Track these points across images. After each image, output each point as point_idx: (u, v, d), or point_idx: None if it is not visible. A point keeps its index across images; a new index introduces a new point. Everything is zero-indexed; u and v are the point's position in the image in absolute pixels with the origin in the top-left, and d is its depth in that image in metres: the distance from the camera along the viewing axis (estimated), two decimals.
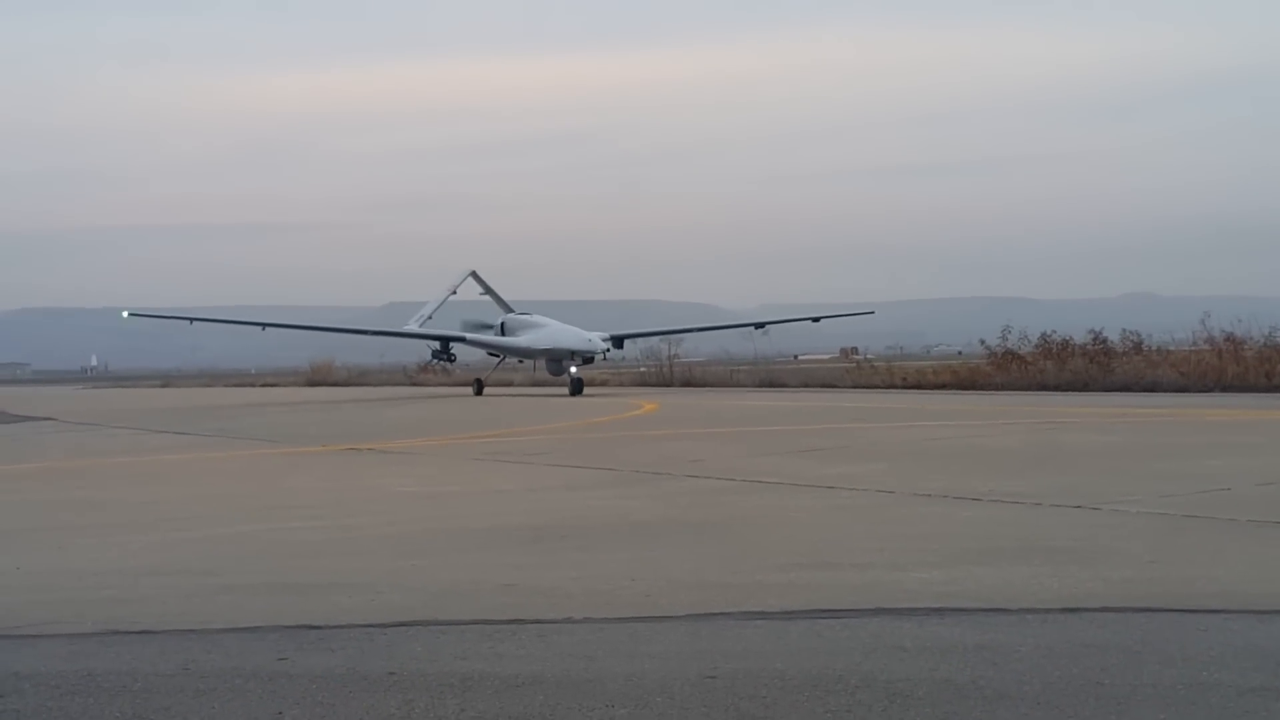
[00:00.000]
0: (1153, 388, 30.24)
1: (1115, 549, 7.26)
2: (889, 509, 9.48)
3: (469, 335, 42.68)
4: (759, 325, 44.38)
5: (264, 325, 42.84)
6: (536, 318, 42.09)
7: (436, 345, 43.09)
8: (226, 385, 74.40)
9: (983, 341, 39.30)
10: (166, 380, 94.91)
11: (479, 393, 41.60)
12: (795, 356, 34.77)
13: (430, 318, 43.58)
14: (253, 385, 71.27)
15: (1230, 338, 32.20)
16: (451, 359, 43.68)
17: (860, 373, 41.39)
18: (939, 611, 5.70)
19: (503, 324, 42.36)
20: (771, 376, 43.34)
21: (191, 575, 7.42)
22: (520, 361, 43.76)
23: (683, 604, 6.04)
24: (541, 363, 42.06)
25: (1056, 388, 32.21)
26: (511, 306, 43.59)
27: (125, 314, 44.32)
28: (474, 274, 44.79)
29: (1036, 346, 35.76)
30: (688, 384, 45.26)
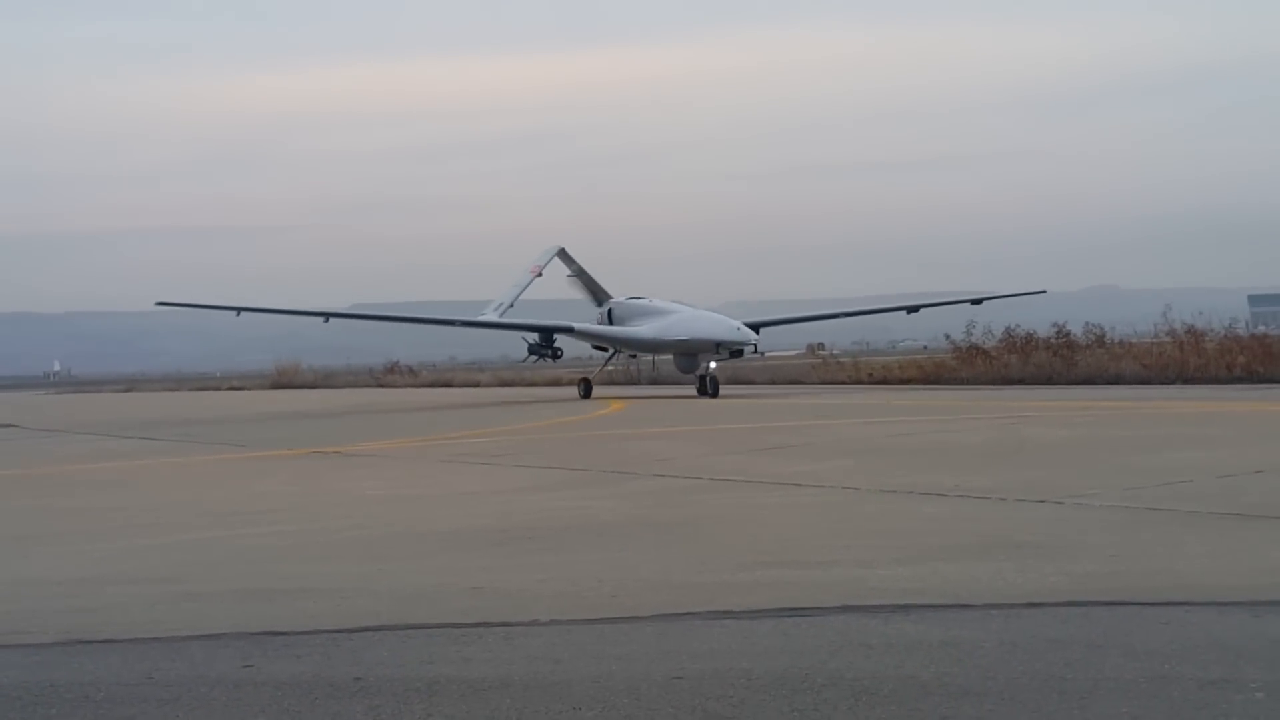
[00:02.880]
0: (1116, 380, 30.46)
1: (1078, 543, 7.31)
2: (854, 506, 9.52)
3: (578, 325, 35.61)
4: (911, 309, 37.50)
5: (326, 316, 36.49)
6: (657, 302, 35.24)
7: (535, 337, 35.35)
8: (192, 389, 73.99)
9: (948, 336, 39.51)
10: (130, 385, 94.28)
11: (588, 394, 34.83)
12: (762, 354, 34.22)
13: (512, 305, 36.70)
14: (218, 389, 70.87)
15: (1191, 330, 32.47)
16: (557, 354, 35.61)
17: (827, 369, 41.52)
18: (904, 608, 5.73)
19: (610, 311, 35.58)
20: (738, 373, 43.39)
21: (156, 583, 7.38)
22: (633, 357, 38.79)
23: (650, 605, 6.04)
24: (658, 358, 37.07)
25: (1021, 381, 32.42)
26: (607, 291, 36.89)
27: (155, 303, 35.72)
28: (562, 251, 37.56)
29: (1000, 341, 35.95)
30: (654, 382, 45.25)
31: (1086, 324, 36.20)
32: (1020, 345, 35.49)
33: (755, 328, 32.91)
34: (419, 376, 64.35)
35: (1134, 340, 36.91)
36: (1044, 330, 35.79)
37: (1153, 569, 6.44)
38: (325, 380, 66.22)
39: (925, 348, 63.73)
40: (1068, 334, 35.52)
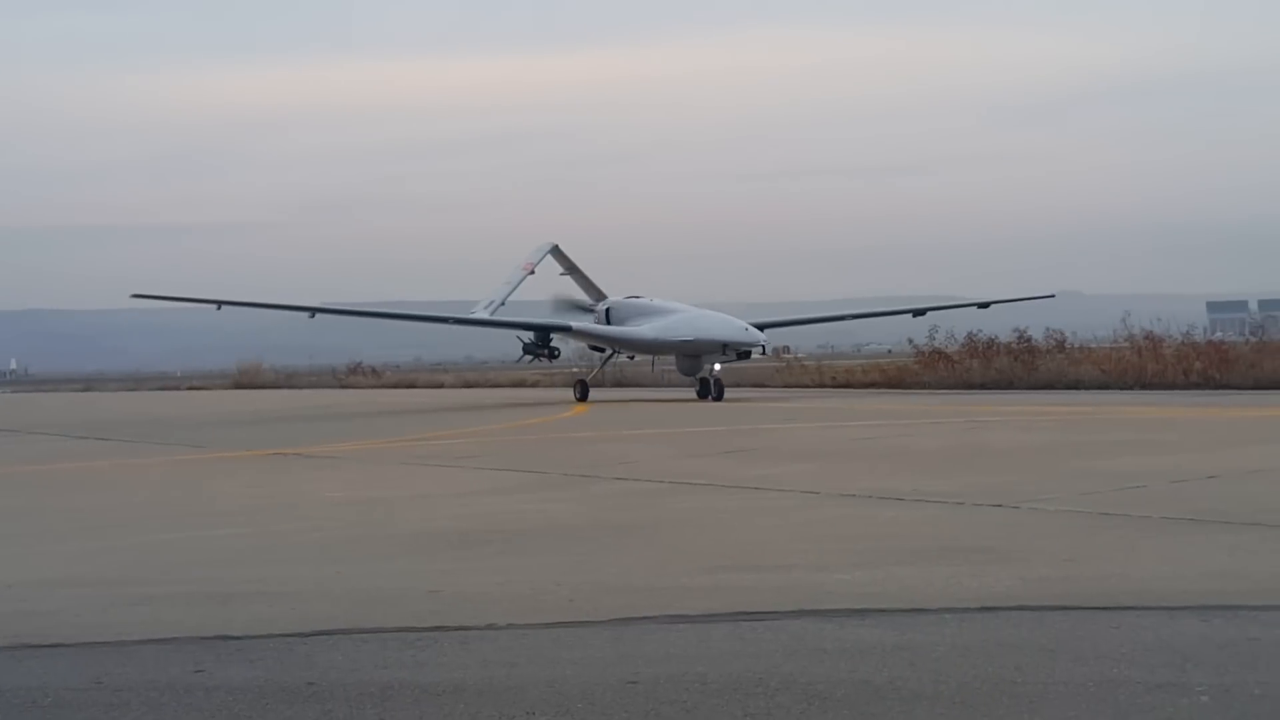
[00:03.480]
0: (1075, 385, 30.65)
1: (1033, 548, 7.36)
2: (814, 510, 9.55)
3: (576, 324, 33.61)
4: (917, 313, 36.44)
5: (312, 311, 34.01)
6: (658, 301, 33.46)
7: (530, 337, 33.01)
8: (152, 389, 73.52)
9: (910, 340, 39.64)
10: (88, 384, 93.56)
11: (584, 397, 33.06)
12: (741, 356, 34.05)
13: (503, 304, 34.86)
14: (178, 388, 70.44)
15: (1150, 336, 32.72)
16: (554, 354, 33.67)
17: (791, 372, 41.59)
18: (860, 612, 5.76)
19: (608, 311, 33.60)
20: (624, 377, 43.37)
21: (109, 585, 7.34)
22: (631, 358, 36.64)
23: (607, 608, 6.05)
24: (658, 359, 35.41)
25: (982, 386, 32.57)
26: (602, 290, 35.24)
27: (130, 295, 33.59)
28: (556, 248, 35.86)
29: (962, 345, 36.11)
30: (618, 384, 45.23)
31: (1047, 329, 36.41)
32: (982, 350, 35.66)
33: (761, 329, 31.67)
34: (383, 377, 64.12)
35: (1094, 346, 37.15)
36: (1005, 335, 35.99)
37: (1105, 573, 6.49)
38: (287, 380, 65.99)
39: (889, 351, 63.97)
40: (1029, 339, 35.72)
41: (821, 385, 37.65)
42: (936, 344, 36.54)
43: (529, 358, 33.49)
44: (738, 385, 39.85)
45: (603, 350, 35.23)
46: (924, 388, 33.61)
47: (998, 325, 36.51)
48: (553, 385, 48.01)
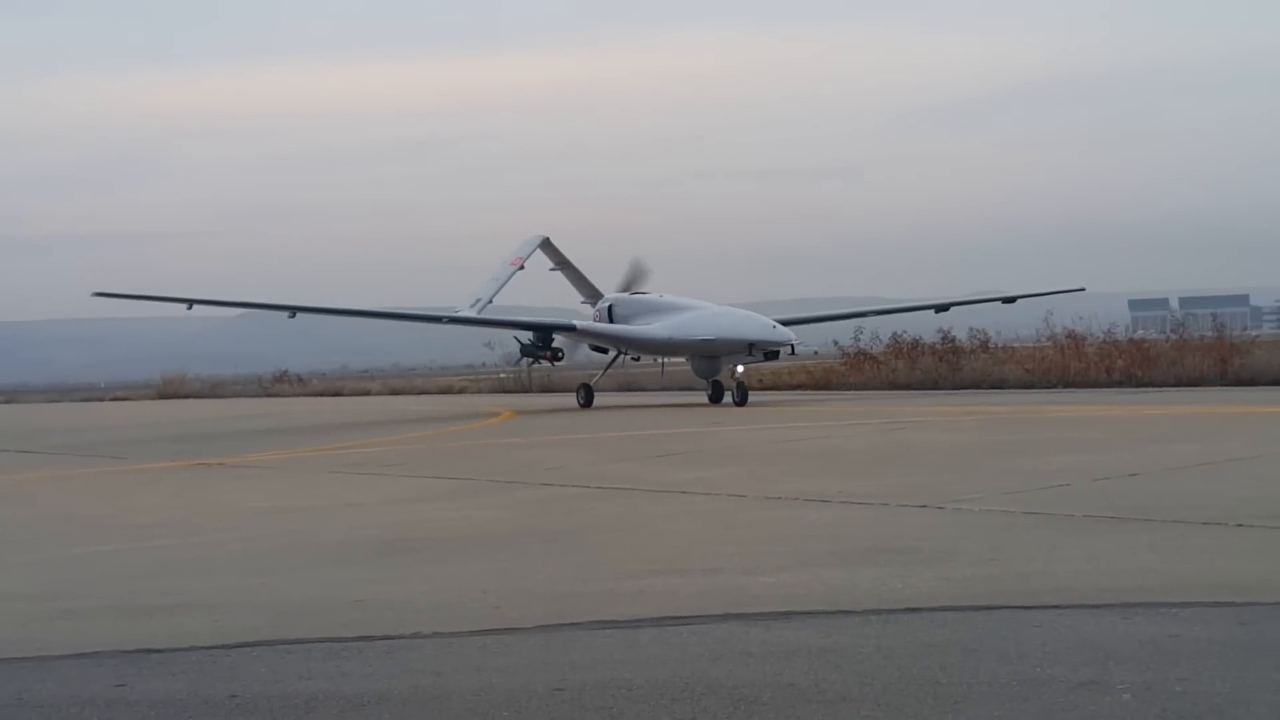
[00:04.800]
0: (1000, 385, 31.00)
1: (958, 548, 7.42)
2: (741, 513, 9.57)
3: (580, 324, 30.91)
4: (940, 308, 34.11)
5: (292, 310, 30.13)
6: (668, 297, 30.59)
7: (529, 338, 30.50)
8: (75, 400, 72.43)
9: (836, 342, 39.85)
10: (9, 396, 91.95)
11: (588, 403, 30.34)
12: (656, 363, 33.69)
13: (490, 301, 31.97)
14: (102, 399, 69.43)
15: (1072, 335, 33.12)
16: (557, 356, 30.69)
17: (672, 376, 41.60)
18: (786, 615, 5.78)
19: (610, 308, 30.82)
20: (630, 380, 43.45)
21: (29, 600, 7.21)
22: (636, 359, 33.41)
23: (534, 615, 6.03)
24: (668, 361, 33.13)
25: (908, 386, 32.82)
26: (597, 286, 32.56)
27: (91, 294, 29.73)
28: (546, 241, 32.96)
29: (888, 346, 36.37)
30: (546, 389, 45.15)
31: (971, 329, 36.77)
32: (907, 351, 35.94)
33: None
34: (309, 385, 63.62)
35: (1017, 345, 37.57)
36: (930, 336, 36.29)
37: (1028, 572, 6.55)
38: (213, 390, 65.16)
39: (815, 353, 64.30)
40: (953, 340, 36.06)
41: (749, 387, 37.74)
42: (862, 345, 36.78)
43: (528, 360, 31.25)
44: (664, 389, 39.89)
45: (606, 351, 32.19)
46: (850, 389, 33.82)
47: (924, 326, 36.71)
48: (480, 392, 47.89)
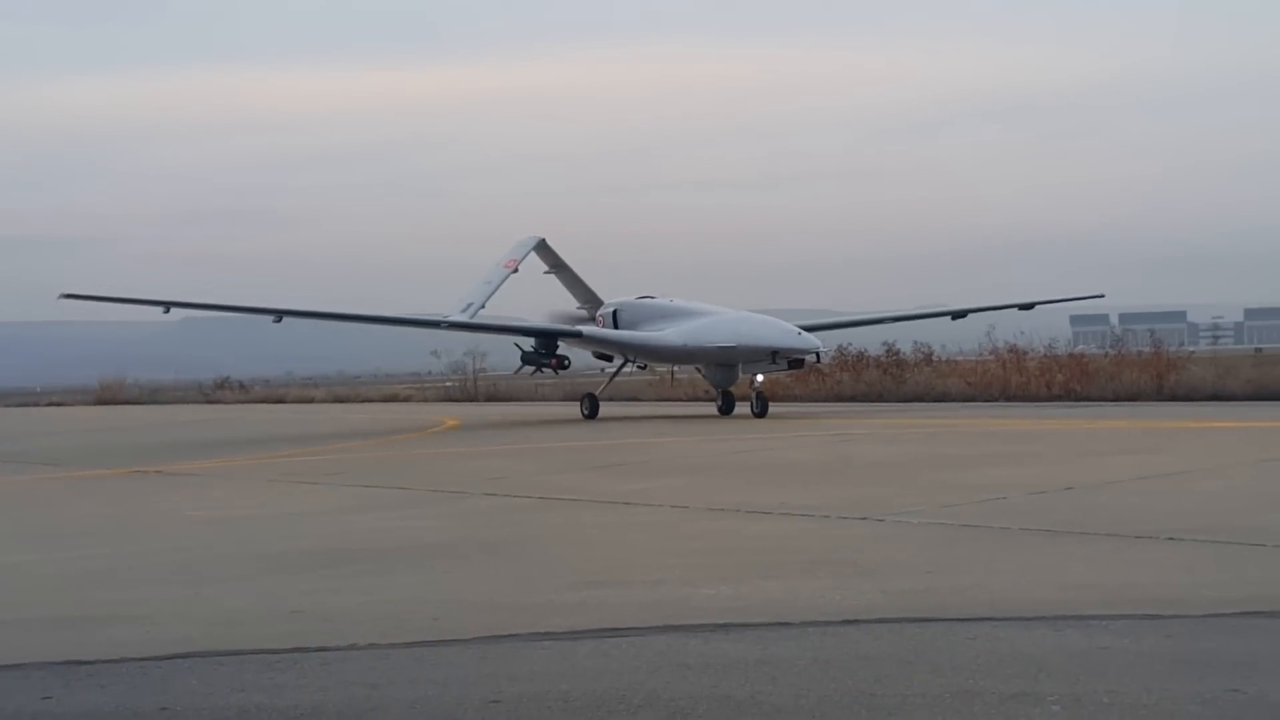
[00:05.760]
0: (942, 398, 31.26)
1: (896, 561, 7.47)
2: (683, 524, 9.59)
3: (588, 330, 29.10)
4: (957, 315, 32.68)
5: (279, 314, 27.96)
6: (679, 302, 28.95)
7: (531, 344, 28.84)
8: (8, 406, 71.42)
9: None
10: None
11: (593, 414, 28.57)
12: (602, 369, 33.38)
13: (483, 306, 30.05)
14: (37, 405, 68.53)
15: (1014, 349, 33.44)
16: (563, 364, 29.16)
17: (664, 385, 41.76)
18: (724, 627, 5.79)
19: (614, 314, 29.26)
20: (577, 390, 43.39)
21: None
22: (642, 367, 31.61)
23: (472, 627, 6.01)
24: (678, 369, 31.79)
25: (853, 399, 33.04)
26: (594, 291, 30.98)
27: (59, 295, 27.34)
28: (542, 243, 31.09)
29: (833, 358, 36.57)
30: (492, 398, 45.06)
31: (915, 343, 37.03)
32: (852, 363, 36.17)
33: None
34: (251, 392, 63.13)
35: (960, 359, 37.89)
36: (875, 349, 36.52)
37: (964, 585, 6.61)
38: (152, 396, 64.55)
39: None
40: (897, 352, 36.32)
41: (695, 398, 37.84)
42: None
43: (529, 368, 29.37)
44: (610, 399, 39.85)
45: (610, 359, 30.61)
46: (795, 400, 33.95)
47: (869, 339, 36.88)
48: (425, 400, 47.69)
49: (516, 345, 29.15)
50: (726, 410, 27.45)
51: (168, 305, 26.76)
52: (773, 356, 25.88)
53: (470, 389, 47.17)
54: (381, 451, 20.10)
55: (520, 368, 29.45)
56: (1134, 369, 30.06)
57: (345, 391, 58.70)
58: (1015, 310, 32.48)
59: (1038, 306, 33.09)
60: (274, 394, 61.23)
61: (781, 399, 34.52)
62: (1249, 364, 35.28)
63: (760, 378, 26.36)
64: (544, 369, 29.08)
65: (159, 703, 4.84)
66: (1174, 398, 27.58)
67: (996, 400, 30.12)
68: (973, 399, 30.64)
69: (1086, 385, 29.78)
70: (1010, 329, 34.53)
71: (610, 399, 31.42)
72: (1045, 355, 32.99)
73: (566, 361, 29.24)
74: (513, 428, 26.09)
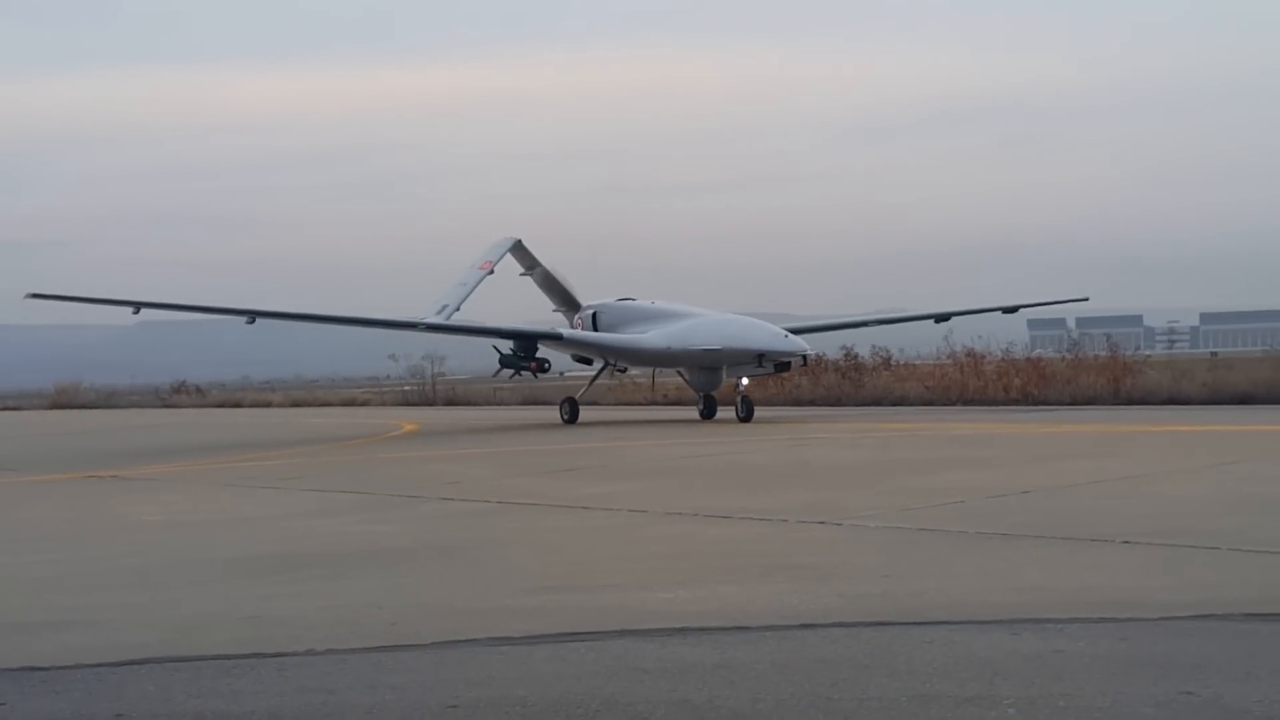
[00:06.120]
0: (900, 402, 31.39)
1: (853, 564, 7.50)
2: (641, 528, 9.59)
3: (568, 332, 28.69)
4: (940, 318, 32.44)
5: (252, 315, 27.08)
6: (660, 304, 28.44)
7: (510, 347, 28.04)
8: None
9: None
10: None
11: (573, 418, 27.94)
12: (561, 373, 33.14)
13: (458, 309, 29.21)
14: None
15: (971, 353, 33.60)
16: (542, 367, 28.26)
17: (623, 389, 41.78)
18: (682, 631, 5.80)
19: (594, 315, 28.74)
20: (535, 394, 43.35)
21: None
22: (622, 370, 31.10)
23: (430, 632, 6.00)
24: (659, 373, 31.13)
25: (811, 402, 33.11)
26: (575, 296, 30.11)
27: (25, 295, 26.50)
28: (518, 244, 30.22)
29: None
30: (450, 402, 44.95)
31: (873, 346, 37.14)
32: (810, 367, 36.18)
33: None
34: (208, 396, 62.71)
35: (918, 362, 38.05)
36: (833, 353, 36.58)
37: (921, 589, 6.64)
38: (108, 400, 64.03)
39: None
40: (856, 356, 36.41)
41: (654, 403, 37.86)
42: None
43: (509, 372, 28.43)
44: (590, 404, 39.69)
45: (590, 362, 29.94)
46: (755, 403, 33.95)
47: (830, 343, 36.90)
48: (383, 404, 47.51)
49: (495, 348, 28.34)
50: (708, 414, 27.13)
51: (137, 306, 25.78)
52: (759, 360, 25.48)
53: (429, 393, 47.02)
54: (339, 456, 20.02)
55: (499, 370, 28.77)
56: (1091, 373, 30.27)
57: (303, 395, 58.43)
58: (996, 313, 32.41)
59: (1022, 310, 32.88)
60: (231, 398, 60.80)
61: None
62: (1205, 368, 35.63)
63: (745, 381, 26.10)
64: (523, 372, 28.28)
65: (115, 709, 4.81)
66: (1130, 401, 27.81)
67: (954, 404, 30.27)
68: (931, 403, 30.77)
69: (1044, 389, 29.99)
70: (967, 333, 34.70)
71: (591, 403, 31.15)
72: (1003, 359, 33.15)
73: (546, 364, 28.53)
74: (470, 431, 26.03)
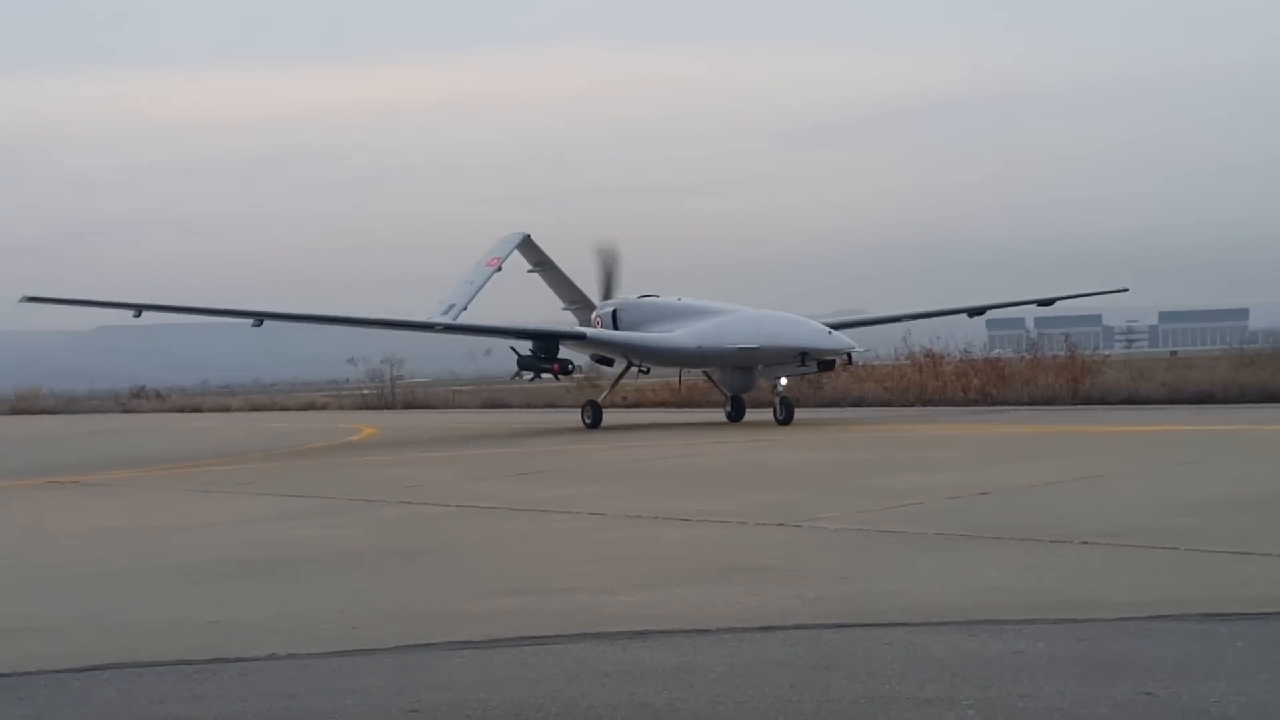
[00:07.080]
0: (859, 403, 31.52)
1: (812, 566, 7.54)
2: (600, 532, 9.61)
3: (591, 332, 26.89)
4: (975, 312, 30.24)
5: (259, 318, 24.94)
6: (688, 300, 26.64)
7: (530, 348, 26.40)
8: None
9: None
10: None
11: (596, 423, 26.19)
12: (536, 376, 32.68)
13: (465, 308, 27.78)
14: None
15: (930, 354, 33.76)
16: (565, 369, 26.78)
17: (582, 391, 41.76)
18: (641, 634, 5.83)
19: (614, 314, 26.98)
20: (495, 397, 43.32)
21: None
22: (645, 371, 28.60)
23: (390, 636, 6.00)
24: (687, 373, 29.54)
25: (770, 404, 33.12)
26: (581, 290, 28.76)
27: (20, 299, 24.20)
28: (527, 239, 28.91)
29: None
30: (409, 406, 44.83)
31: None
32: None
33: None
34: (167, 401, 62.36)
35: (877, 363, 38.20)
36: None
37: (880, 591, 6.69)
38: (67, 406, 63.56)
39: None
40: None
41: (612, 405, 37.81)
42: None
43: (528, 374, 26.72)
44: (529, 405, 39.81)
45: (611, 363, 28.37)
46: (713, 405, 34.02)
47: None
48: (343, 408, 47.35)
49: (513, 349, 26.80)
50: (737, 417, 26.04)
51: (139, 309, 24.29)
52: (802, 358, 23.76)
53: (388, 397, 46.89)
54: (298, 460, 19.94)
55: (517, 373, 27.13)
56: (1049, 373, 30.44)
57: (262, 400, 58.18)
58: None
59: (1059, 302, 32.09)
60: (190, 403, 60.53)
61: (699, 404, 34.53)
62: (1164, 367, 35.97)
63: (784, 381, 24.45)
64: (544, 374, 26.64)
65: (77, 715, 4.81)
66: (1089, 401, 27.99)
67: (913, 405, 30.40)
68: (889, 404, 30.92)
69: (1002, 389, 30.17)
70: (925, 333, 34.80)
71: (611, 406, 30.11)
72: (961, 360, 33.32)
73: (570, 365, 27.18)
74: (429, 435, 25.98)
